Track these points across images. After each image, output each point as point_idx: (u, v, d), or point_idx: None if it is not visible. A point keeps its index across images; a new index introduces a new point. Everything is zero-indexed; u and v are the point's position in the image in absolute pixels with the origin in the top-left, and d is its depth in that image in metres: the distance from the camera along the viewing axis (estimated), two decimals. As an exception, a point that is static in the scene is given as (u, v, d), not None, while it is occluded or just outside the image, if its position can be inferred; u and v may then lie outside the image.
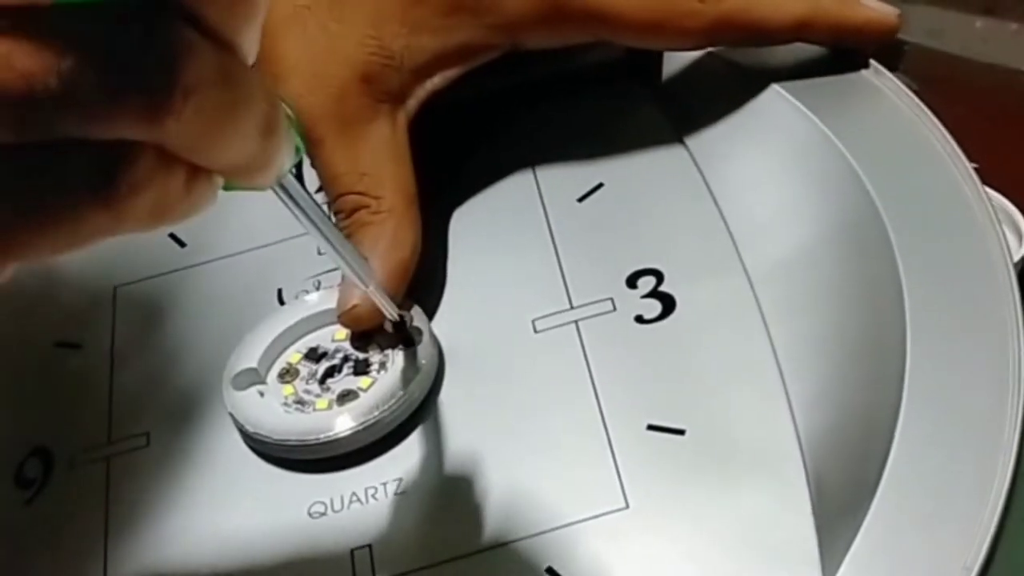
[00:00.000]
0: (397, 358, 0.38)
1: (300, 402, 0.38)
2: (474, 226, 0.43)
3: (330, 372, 0.39)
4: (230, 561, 0.36)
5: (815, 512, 0.33)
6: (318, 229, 0.32)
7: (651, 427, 0.36)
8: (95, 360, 0.42)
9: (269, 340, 0.39)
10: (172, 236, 0.45)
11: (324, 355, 0.39)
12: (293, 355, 0.39)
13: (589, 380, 0.37)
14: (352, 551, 0.35)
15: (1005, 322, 0.34)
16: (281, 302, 0.42)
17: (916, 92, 0.42)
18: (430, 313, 0.40)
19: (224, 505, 0.37)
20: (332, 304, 0.39)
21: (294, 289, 0.42)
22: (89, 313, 0.43)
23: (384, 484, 0.36)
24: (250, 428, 0.37)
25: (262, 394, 0.38)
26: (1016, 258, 0.48)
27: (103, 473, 0.39)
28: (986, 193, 0.37)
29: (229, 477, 0.38)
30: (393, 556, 0.35)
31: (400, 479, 0.36)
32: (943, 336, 0.34)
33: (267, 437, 0.37)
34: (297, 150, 0.28)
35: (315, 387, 0.38)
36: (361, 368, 0.38)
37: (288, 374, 0.39)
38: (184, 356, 0.41)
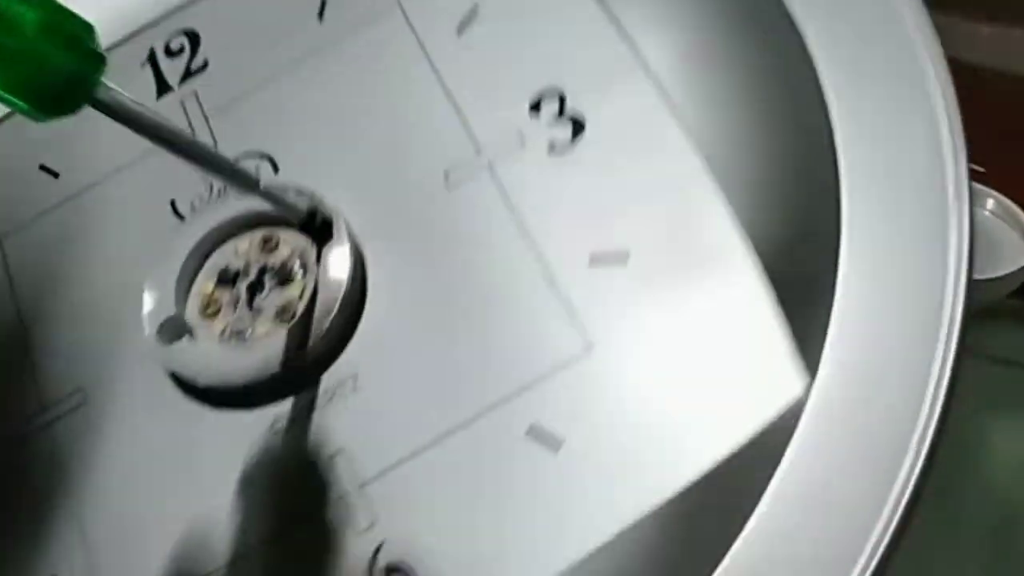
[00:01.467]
0: (316, 254, 0.36)
1: (237, 334, 0.36)
2: (349, 84, 0.40)
3: (253, 290, 0.36)
4: (211, 500, 0.35)
5: (780, 307, 0.32)
6: (167, 144, 0.29)
7: (594, 258, 0.34)
8: (5, 326, 0.39)
9: (175, 277, 0.37)
10: (43, 168, 0.42)
11: (238, 274, 0.37)
12: (206, 285, 0.37)
13: (517, 225, 0.35)
14: (332, 457, 0.34)
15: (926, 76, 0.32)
16: (177, 214, 0.39)
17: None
18: (331, 194, 0.37)
19: (185, 445, 0.36)
20: (229, 211, 0.37)
21: (187, 196, 0.39)
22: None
23: (340, 385, 0.35)
24: (202, 381, 0.35)
25: (193, 336, 0.36)
26: (1021, 263, 0.50)
27: (50, 441, 0.37)
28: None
29: (180, 416, 0.36)
30: (371, 454, 0.34)
31: (355, 375, 0.35)
32: (869, 107, 0.32)
33: (223, 384, 0.35)
34: (98, 59, 0.26)
35: (245, 313, 0.36)
36: (284, 275, 0.36)
37: (210, 307, 0.37)
38: (94, 297, 0.39)
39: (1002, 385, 0.51)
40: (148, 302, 0.36)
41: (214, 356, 0.36)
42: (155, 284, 0.37)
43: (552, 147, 0.36)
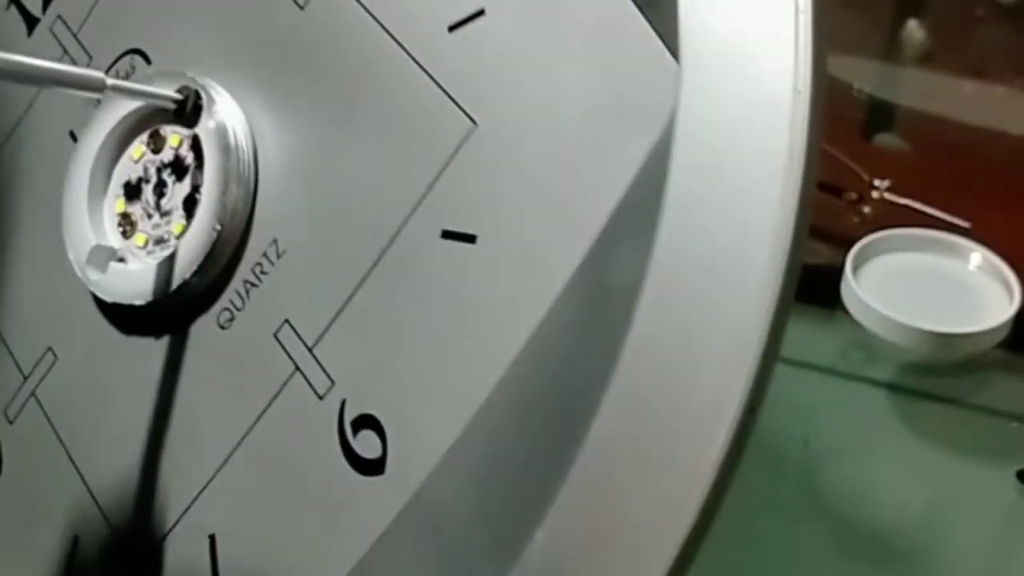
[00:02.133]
0: (201, 137, 0.34)
1: (159, 241, 0.34)
2: None
3: (157, 194, 0.34)
4: (185, 415, 0.34)
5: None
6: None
7: (452, 26, 0.31)
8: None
9: (85, 203, 0.35)
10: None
11: (140, 182, 0.35)
12: (118, 204, 0.35)
13: (373, 18, 0.32)
14: (274, 335, 0.32)
15: None
16: (74, 139, 0.37)
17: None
18: (199, 67, 0.35)
19: (145, 369, 0.34)
20: (115, 121, 0.35)
21: (83, 120, 0.37)
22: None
23: (265, 255, 0.33)
24: (141, 301, 0.34)
25: (123, 260, 0.35)
26: (1008, 315, 0.52)
27: (39, 411, 0.36)
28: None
29: (131, 344, 0.35)
30: (311, 313, 0.32)
31: (275, 240, 0.33)
32: None
33: (163, 299, 0.34)
34: None
35: (157, 218, 0.34)
36: (179, 169, 0.34)
37: (126, 224, 0.35)
38: (34, 251, 0.38)
39: (988, 434, 0.52)
40: (69, 238, 0.35)
41: (146, 273, 0.34)
42: (70, 217, 0.35)
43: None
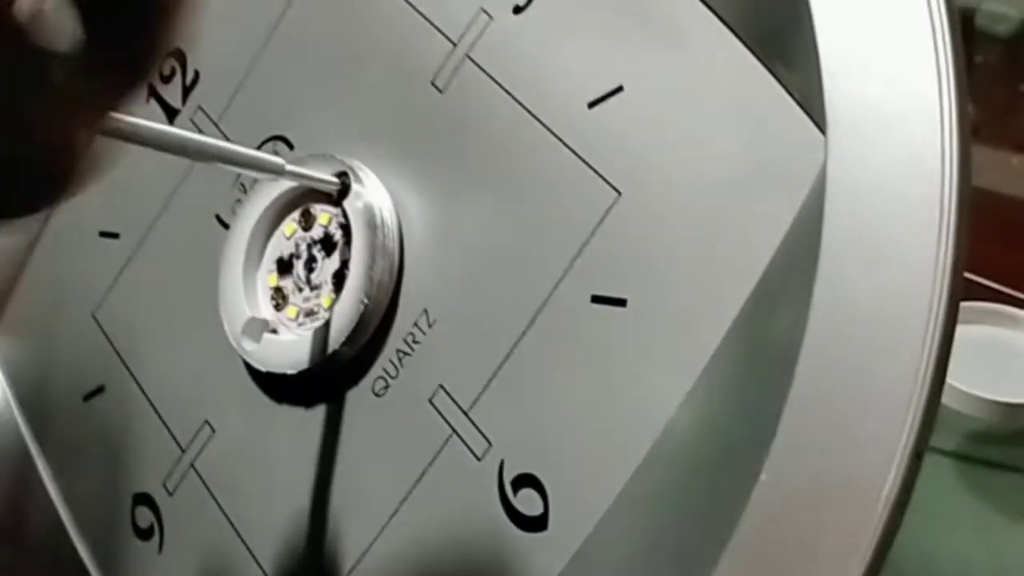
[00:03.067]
0: (349, 214, 0.36)
1: (309, 313, 0.36)
2: (321, 39, 0.39)
3: (308, 269, 0.37)
4: (347, 479, 0.35)
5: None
6: (191, 152, 0.30)
7: (591, 103, 0.32)
8: (119, 401, 0.41)
9: (240, 278, 0.37)
10: (103, 234, 0.43)
11: (292, 257, 0.37)
12: (271, 279, 0.37)
13: (514, 98, 0.34)
14: (429, 401, 0.34)
15: None
16: (223, 224, 0.39)
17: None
18: (344, 148, 0.37)
19: (309, 433, 0.36)
20: (266, 203, 0.37)
21: (227, 204, 0.40)
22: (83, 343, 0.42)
23: (416, 325, 0.35)
24: (295, 370, 0.36)
25: (275, 331, 0.37)
26: None
27: (198, 482, 0.38)
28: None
29: (298, 411, 0.37)
30: (466, 379, 0.33)
31: (425, 310, 0.35)
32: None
33: (316, 368, 0.35)
34: None
35: (308, 291, 0.36)
36: (328, 245, 0.36)
37: (279, 297, 0.37)
38: (184, 325, 0.40)
39: None
40: (225, 312, 0.37)
41: (296, 344, 0.36)
42: (225, 293, 0.37)
43: (517, 8, 0.34)
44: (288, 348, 0.36)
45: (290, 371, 0.36)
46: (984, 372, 0.55)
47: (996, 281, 0.58)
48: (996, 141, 0.65)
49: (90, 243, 0.43)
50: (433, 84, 0.35)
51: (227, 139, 0.40)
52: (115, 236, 0.42)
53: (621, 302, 0.31)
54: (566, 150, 0.32)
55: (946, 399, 0.51)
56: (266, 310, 0.37)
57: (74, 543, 0.41)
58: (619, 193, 0.31)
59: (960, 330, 0.56)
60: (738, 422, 0.28)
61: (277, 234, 0.37)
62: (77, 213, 0.43)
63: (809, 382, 0.26)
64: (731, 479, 0.27)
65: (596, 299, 0.31)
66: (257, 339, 0.36)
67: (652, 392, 0.30)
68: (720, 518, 0.27)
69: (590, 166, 0.32)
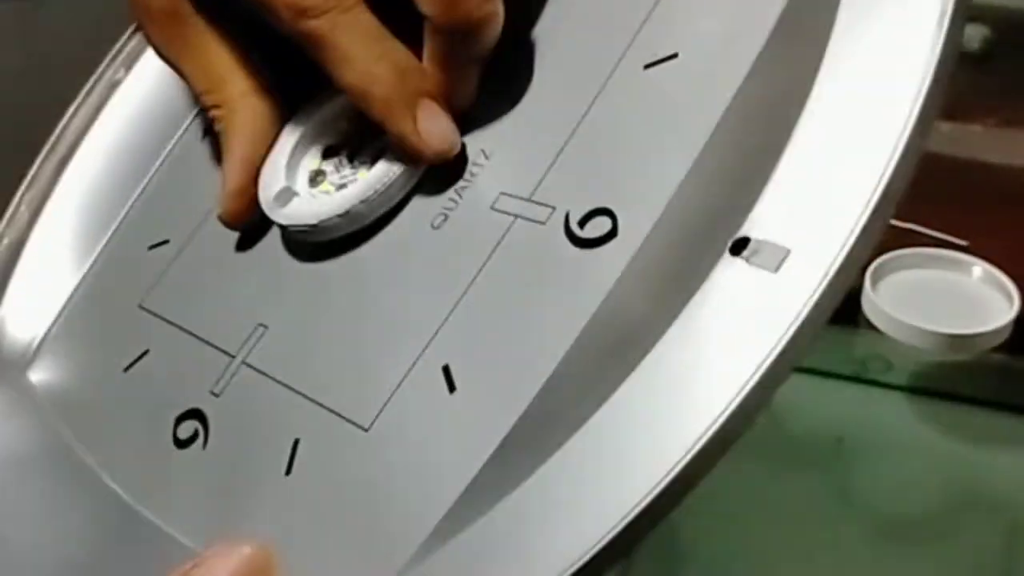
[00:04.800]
0: None
1: (342, 187, 0.39)
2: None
3: (351, 158, 0.40)
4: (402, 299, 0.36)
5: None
6: None
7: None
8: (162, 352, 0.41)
9: (285, 161, 0.40)
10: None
11: (341, 146, 0.40)
12: (313, 162, 0.40)
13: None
14: (492, 207, 0.36)
15: None
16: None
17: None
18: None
19: (358, 272, 0.37)
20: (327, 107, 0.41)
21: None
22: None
23: (474, 163, 0.37)
24: (312, 221, 0.37)
25: (312, 195, 0.39)
26: (1011, 317, 0.64)
27: (251, 372, 0.38)
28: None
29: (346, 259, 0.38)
30: (526, 178, 0.36)
31: (482, 150, 0.37)
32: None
33: (340, 218, 0.37)
34: None
35: (347, 170, 0.39)
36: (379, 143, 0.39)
37: (318, 176, 0.40)
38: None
39: (988, 425, 0.63)
40: (262, 186, 0.40)
41: (329, 199, 0.38)
42: (268, 171, 0.40)
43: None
44: (321, 205, 0.38)
45: (312, 222, 0.38)
46: (936, 310, 0.64)
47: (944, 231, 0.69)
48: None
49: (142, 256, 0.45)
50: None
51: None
52: (165, 243, 0.45)
53: (674, 56, 0.35)
54: None
55: (902, 336, 0.62)
56: (302, 186, 0.40)
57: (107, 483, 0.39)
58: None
59: (912, 274, 0.67)
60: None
61: (330, 124, 0.41)
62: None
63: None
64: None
65: (648, 65, 0.35)
66: (286, 202, 0.39)
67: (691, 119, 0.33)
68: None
69: None
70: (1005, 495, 0.57)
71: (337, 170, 0.39)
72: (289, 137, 0.40)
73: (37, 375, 0.44)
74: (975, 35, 0.86)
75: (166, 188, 0.46)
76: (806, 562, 0.52)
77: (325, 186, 0.39)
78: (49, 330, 0.45)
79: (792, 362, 0.27)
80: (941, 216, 0.70)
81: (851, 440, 0.60)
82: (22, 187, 0.49)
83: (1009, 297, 0.66)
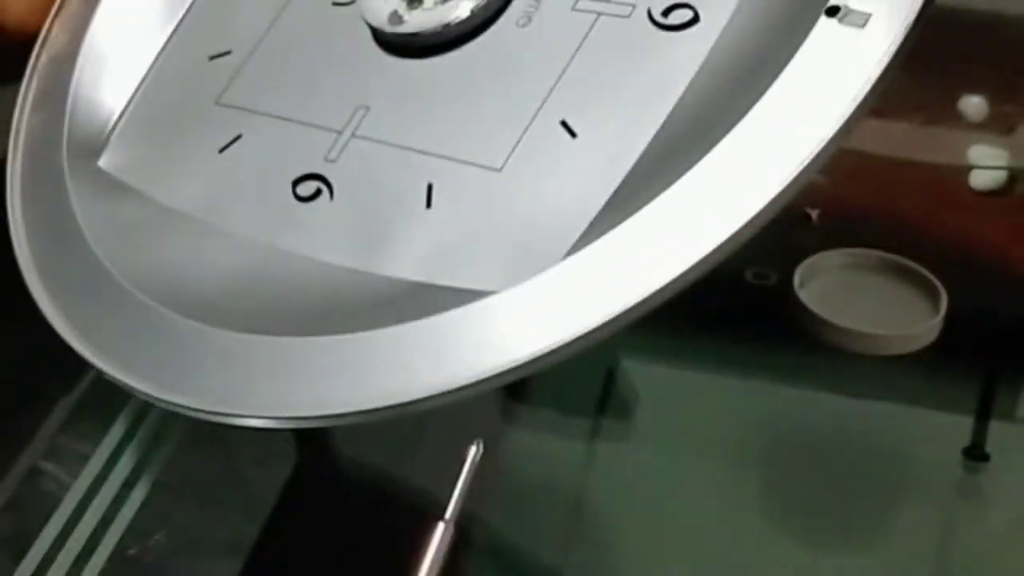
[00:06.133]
0: None
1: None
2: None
3: None
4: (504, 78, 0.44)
5: None
6: None
7: None
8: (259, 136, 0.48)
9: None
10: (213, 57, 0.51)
11: None
12: None
13: None
14: (573, 8, 0.45)
15: None
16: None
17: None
18: None
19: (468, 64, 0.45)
20: None
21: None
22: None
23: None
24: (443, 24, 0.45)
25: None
26: (938, 318, 0.66)
27: (363, 142, 0.45)
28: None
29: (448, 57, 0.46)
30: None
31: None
32: None
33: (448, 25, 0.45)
34: None
35: None
36: None
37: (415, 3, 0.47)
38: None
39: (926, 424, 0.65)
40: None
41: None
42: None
43: None
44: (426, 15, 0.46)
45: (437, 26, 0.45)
46: (863, 310, 0.67)
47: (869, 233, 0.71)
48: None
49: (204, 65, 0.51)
50: None
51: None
52: (227, 53, 0.51)
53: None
54: None
55: (829, 337, 0.65)
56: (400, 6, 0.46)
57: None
58: None
59: (841, 274, 0.71)
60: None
61: None
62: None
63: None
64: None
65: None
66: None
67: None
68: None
69: None
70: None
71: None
72: None
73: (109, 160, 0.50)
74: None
75: (217, 2, 0.52)
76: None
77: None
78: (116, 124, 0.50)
79: (878, 94, 0.37)
80: (865, 216, 0.73)
81: (779, 441, 0.63)
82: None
83: (936, 298, 0.68)
